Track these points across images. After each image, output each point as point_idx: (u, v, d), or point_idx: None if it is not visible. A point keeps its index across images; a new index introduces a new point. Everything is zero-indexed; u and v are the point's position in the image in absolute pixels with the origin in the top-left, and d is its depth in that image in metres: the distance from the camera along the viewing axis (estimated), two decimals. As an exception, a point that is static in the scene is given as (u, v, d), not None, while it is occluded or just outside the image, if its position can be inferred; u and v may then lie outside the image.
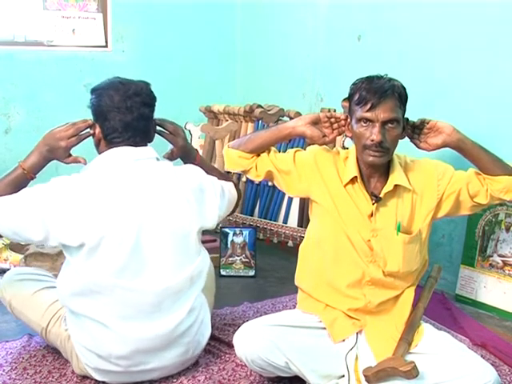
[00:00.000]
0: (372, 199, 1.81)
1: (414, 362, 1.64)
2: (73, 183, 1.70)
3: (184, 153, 1.96)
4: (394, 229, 1.80)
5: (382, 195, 1.80)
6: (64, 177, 1.73)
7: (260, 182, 3.31)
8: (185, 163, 1.97)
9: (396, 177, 1.80)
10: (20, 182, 1.79)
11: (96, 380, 1.81)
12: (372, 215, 1.80)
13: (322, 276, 1.86)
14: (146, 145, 1.81)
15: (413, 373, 1.63)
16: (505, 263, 2.46)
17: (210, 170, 1.97)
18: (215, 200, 1.87)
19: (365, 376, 1.70)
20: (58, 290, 1.79)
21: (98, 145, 1.82)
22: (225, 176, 2.07)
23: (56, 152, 1.81)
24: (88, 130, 1.84)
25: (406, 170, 1.84)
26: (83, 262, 1.68)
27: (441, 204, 1.85)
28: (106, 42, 3.50)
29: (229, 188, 1.97)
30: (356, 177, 1.80)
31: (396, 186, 1.80)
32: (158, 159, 1.81)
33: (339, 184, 1.83)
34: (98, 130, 1.79)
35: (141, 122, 1.77)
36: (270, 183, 3.27)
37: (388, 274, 1.81)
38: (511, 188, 1.82)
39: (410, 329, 1.80)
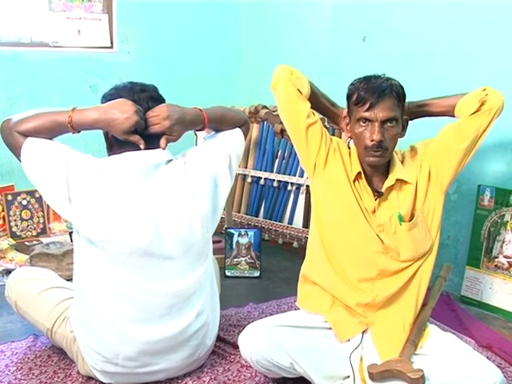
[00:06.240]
0: (374, 195, 1.82)
1: (422, 371, 1.63)
2: (102, 172, 1.66)
3: (186, 129, 1.80)
4: (397, 220, 1.81)
5: (383, 190, 1.81)
6: (99, 161, 1.69)
7: (265, 183, 3.32)
8: (197, 130, 1.90)
9: (397, 171, 1.81)
10: (60, 129, 1.68)
11: (101, 382, 1.81)
12: (375, 211, 1.81)
13: (333, 268, 1.85)
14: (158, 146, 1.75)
15: (420, 382, 1.62)
16: (510, 264, 2.45)
17: (222, 125, 1.91)
18: (227, 183, 1.84)
19: (369, 373, 1.69)
20: (75, 280, 1.77)
21: (110, 148, 1.78)
22: (236, 118, 1.96)
23: (120, 124, 1.64)
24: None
25: (403, 163, 1.86)
26: (99, 255, 1.67)
27: (438, 173, 1.84)
28: (112, 42, 3.51)
29: (235, 145, 1.90)
30: (360, 172, 1.82)
31: (397, 180, 1.81)
32: (170, 161, 1.76)
33: (351, 177, 1.84)
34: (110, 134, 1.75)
35: None
36: (275, 183, 3.27)
37: (403, 261, 1.82)
38: (466, 105, 1.83)
39: (418, 330, 1.80)
